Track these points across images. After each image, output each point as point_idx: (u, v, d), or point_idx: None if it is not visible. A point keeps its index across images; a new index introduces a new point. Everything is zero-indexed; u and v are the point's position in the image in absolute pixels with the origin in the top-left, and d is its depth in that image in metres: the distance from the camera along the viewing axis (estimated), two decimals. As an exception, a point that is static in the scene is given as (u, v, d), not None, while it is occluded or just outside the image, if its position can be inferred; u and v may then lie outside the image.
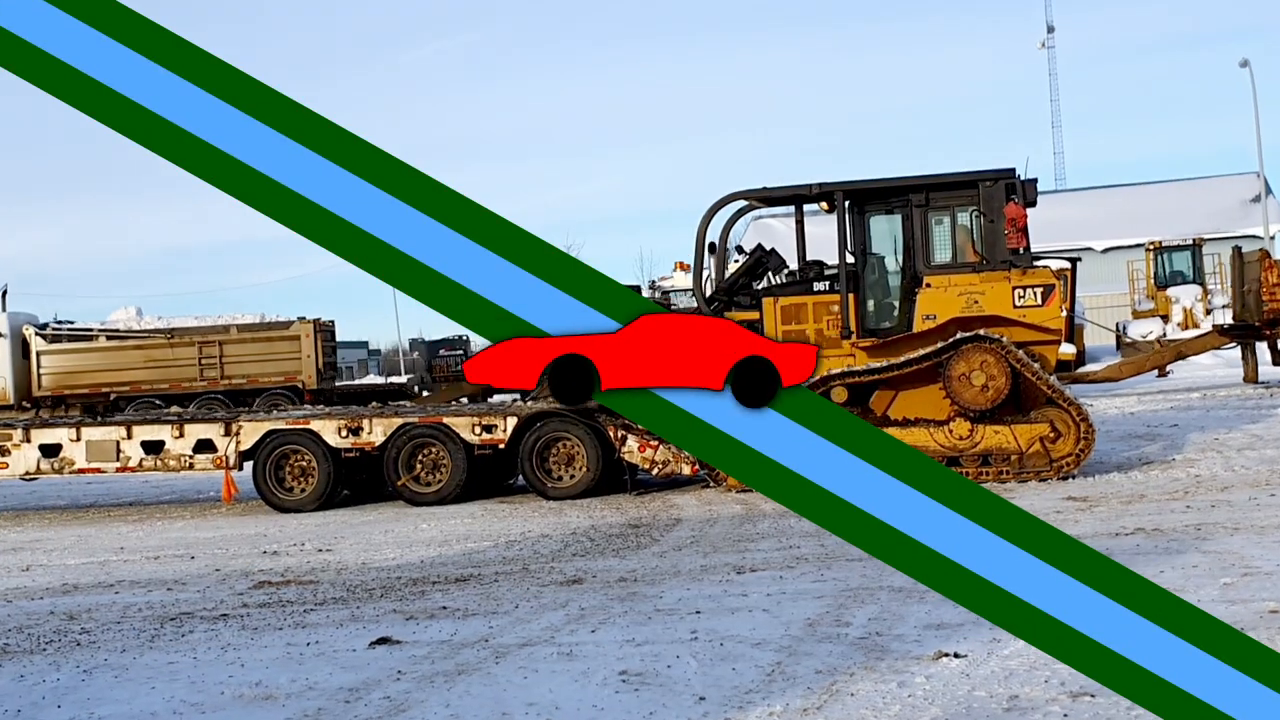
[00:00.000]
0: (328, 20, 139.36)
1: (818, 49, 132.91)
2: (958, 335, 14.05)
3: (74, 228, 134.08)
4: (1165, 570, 8.60)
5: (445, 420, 15.61)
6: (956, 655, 6.66)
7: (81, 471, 16.58)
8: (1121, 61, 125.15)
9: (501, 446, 15.40)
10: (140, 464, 16.28)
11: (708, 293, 15.75)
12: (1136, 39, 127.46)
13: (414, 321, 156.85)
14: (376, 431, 15.59)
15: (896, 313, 14.92)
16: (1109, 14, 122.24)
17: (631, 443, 15.00)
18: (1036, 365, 13.98)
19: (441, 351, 47.77)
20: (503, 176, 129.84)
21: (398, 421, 15.65)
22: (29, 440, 16.48)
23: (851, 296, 14.67)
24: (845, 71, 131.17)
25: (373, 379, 60.13)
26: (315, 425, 15.80)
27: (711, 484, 14.83)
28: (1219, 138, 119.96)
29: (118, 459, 16.27)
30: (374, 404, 20.12)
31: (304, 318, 32.29)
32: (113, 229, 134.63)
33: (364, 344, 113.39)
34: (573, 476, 15.27)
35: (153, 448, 16.21)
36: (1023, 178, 14.48)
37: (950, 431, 14.06)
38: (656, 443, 15.03)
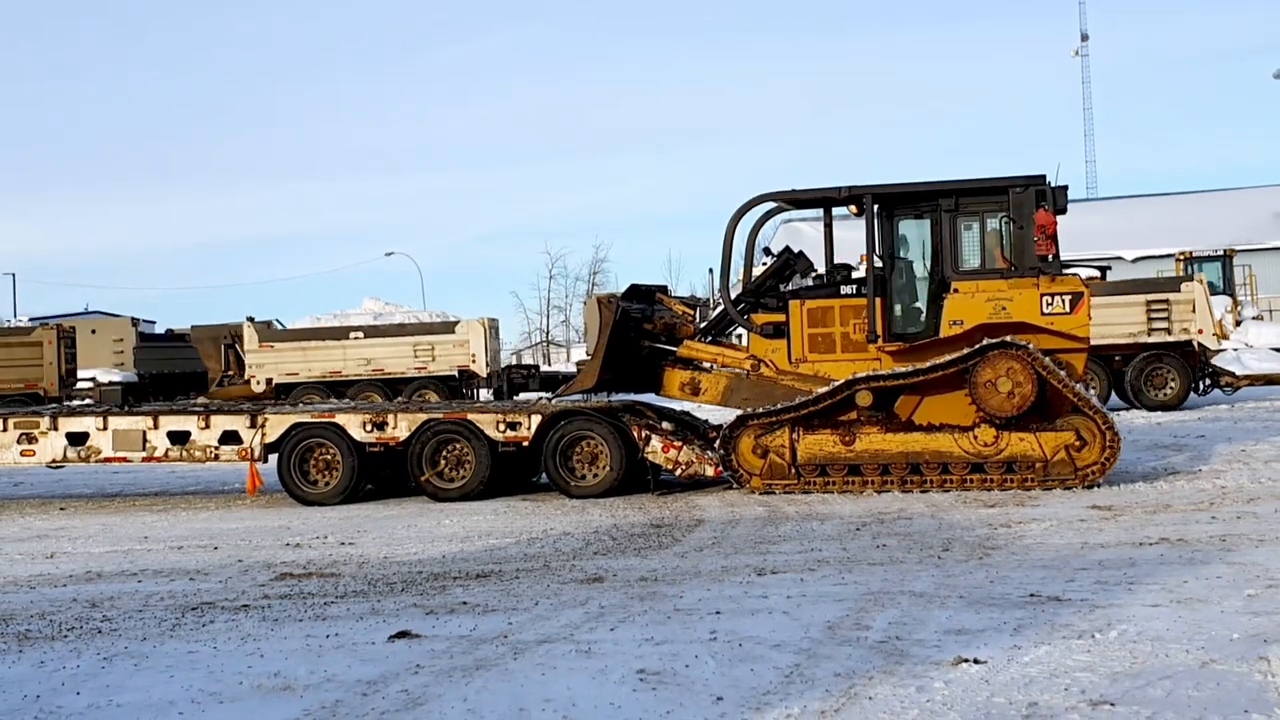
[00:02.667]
0: (351, 19, 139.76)
1: (849, 52, 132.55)
2: (984, 341, 14.00)
3: (104, 218, 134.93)
4: (1189, 581, 8.55)
5: (469, 416, 15.64)
6: (976, 661, 6.63)
7: (108, 460, 16.66)
8: (1155, 71, 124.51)
9: (525, 444, 15.42)
10: (166, 454, 16.37)
11: (734, 295, 15.75)
12: (1170, 49, 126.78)
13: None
14: (401, 426, 15.63)
15: (923, 317, 14.86)
16: (1143, 23, 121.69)
17: (655, 443, 15.01)
18: (1063, 372, 13.92)
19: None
20: (531, 177, 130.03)
21: (422, 417, 15.69)
22: (56, 428, 16.60)
23: (879, 300, 14.64)
24: (876, 76, 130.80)
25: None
26: (340, 419, 15.85)
27: (735, 485, 14.81)
28: (1251, 150, 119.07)
29: (144, 448, 16.37)
30: (399, 399, 20.16)
31: (45, 324, 32.71)
32: (145, 220, 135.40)
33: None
34: (596, 475, 15.28)
35: (179, 438, 16.30)
36: (1053, 185, 14.41)
37: (975, 438, 14.01)
38: (680, 443, 15.04)
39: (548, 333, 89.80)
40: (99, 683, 7.00)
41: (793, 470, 14.43)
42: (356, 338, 34.00)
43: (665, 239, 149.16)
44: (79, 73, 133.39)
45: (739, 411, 14.84)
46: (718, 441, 14.82)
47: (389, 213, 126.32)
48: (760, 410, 14.58)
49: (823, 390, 14.41)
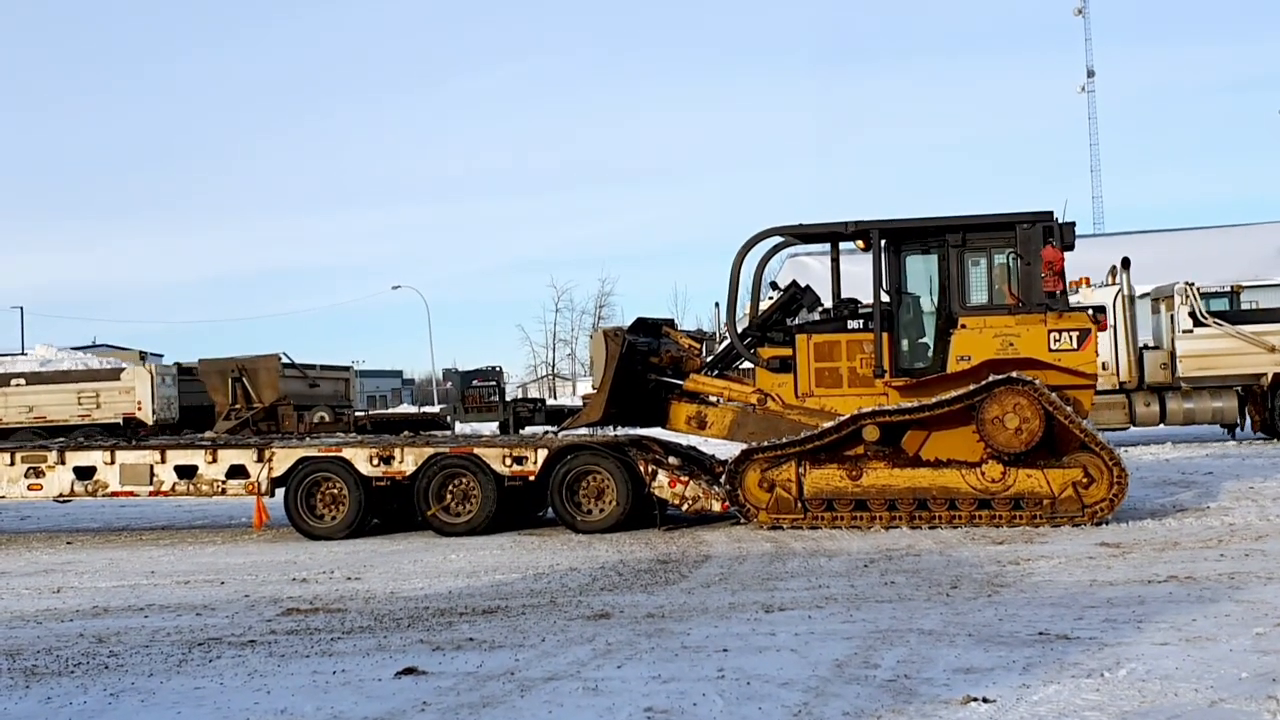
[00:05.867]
0: (374, 51, 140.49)
1: (853, 87, 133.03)
2: (992, 377, 13.98)
3: (106, 252, 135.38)
4: (1198, 619, 8.52)
5: (476, 451, 15.63)
6: (985, 700, 6.60)
7: (115, 494, 16.66)
8: (1161, 107, 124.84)
9: (532, 478, 15.40)
10: (173, 488, 16.36)
11: (740, 329, 15.75)
12: (1177, 85, 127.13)
13: (448, 351, 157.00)
14: (408, 461, 15.63)
15: (931, 353, 14.85)
16: (1149, 60, 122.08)
17: (662, 478, 14.98)
18: (1070, 409, 13.88)
19: (475, 382, 47.71)
20: (539, 209, 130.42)
21: (429, 451, 15.68)
22: (64, 462, 16.61)
23: (885, 335, 14.63)
24: (881, 110, 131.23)
25: (406, 408, 60.17)
26: (347, 453, 15.85)
27: (743, 520, 14.77)
28: (1258, 185, 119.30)
29: (151, 483, 16.37)
30: (406, 433, 20.15)
31: None
32: (153, 254, 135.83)
33: (398, 373, 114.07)
34: (602, 510, 15.24)
35: (186, 472, 16.29)
36: (1061, 220, 14.42)
37: (983, 474, 13.97)
38: (687, 478, 15.01)
39: (553, 366, 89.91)
40: (106, 719, 6.98)
41: (799, 505, 14.39)
42: (18, 384, 33.68)
43: (671, 272, 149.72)
44: (89, 106, 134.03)
45: (745, 445, 14.81)
46: (724, 475, 14.79)
47: (396, 246, 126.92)
48: (766, 444, 14.55)
49: (829, 424, 14.38)
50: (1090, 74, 78.82)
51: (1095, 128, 79.63)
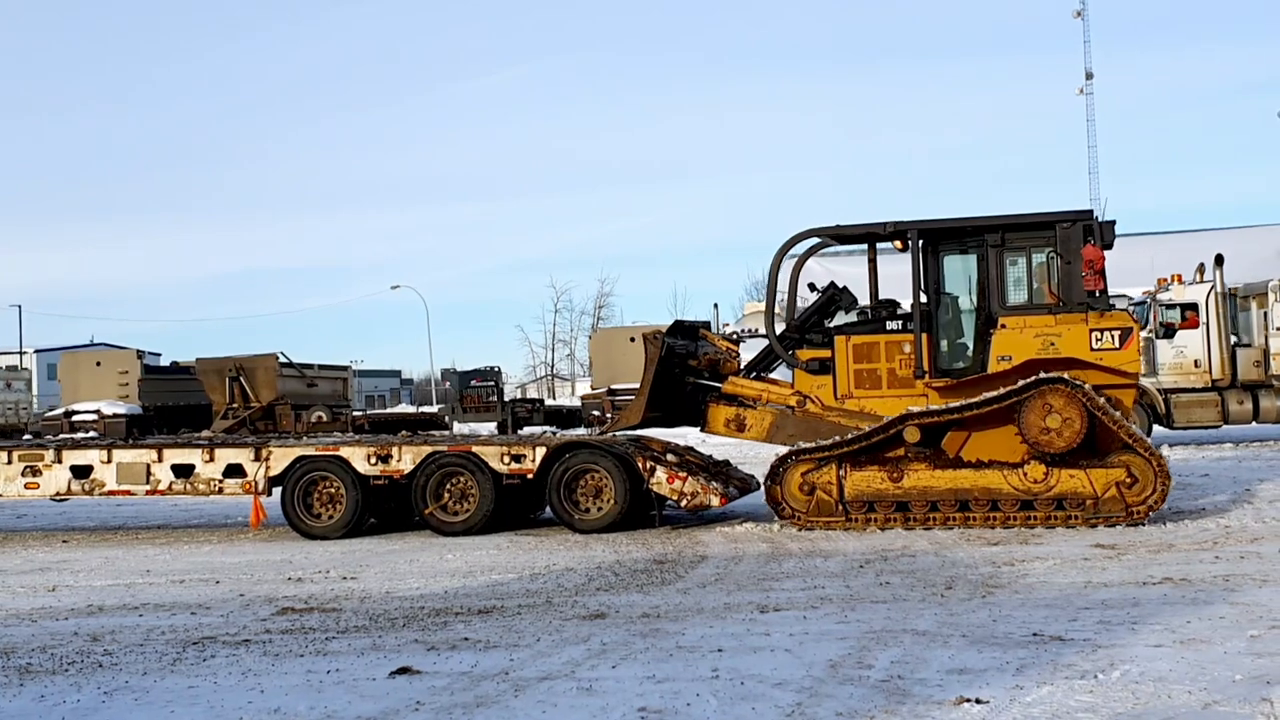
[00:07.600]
0: (379, 52, 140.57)
1: (852, 89, 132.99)
2: (1032, 378, 13.89)
3: (105, 251, 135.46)
4: (1192, 621, 8.52)
5: (474, 449, 15.63)
6: (978, 701, 6.60)
7: (111, 493, 16.67)
8: (1160, 109, 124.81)
9: (530, 477, 15.38)
10: (170, 487, 16.37)
11: (779, 329, 15.68)
12: (1175, 87, 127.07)
13: (447, 351, 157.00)
14: (405, 459, 15.62)
15: (971, 353, 14.76)
16: (1148, 63, 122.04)
17: (660, 474, 14.94)
18: (1109, 407, 13.78)
19: (473, 382, 47.68)
20: (538, 210, 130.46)
21: (427, 450, 15.67)
22: (60, 461, 16.61)
23: (925, 336, 14.56)
24: (880, 112, 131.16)
25: (404, 408, 60.12)
26: (345, 452, 15.85)
27: (795, 527, 14.44)
28: (1257, 187, 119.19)
29: (148, 482, 16.37)
30: (404, 432, 20.16)
31: None
32: (151, 253, 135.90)
33: (396, 373, 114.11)
34: (600, 509, 15.22)
35: (183, 471, 16.30)
36: (1100, 219, 14.35)
37: (1025, 475, 13.86)
38: (685, 474, 14.96)
39: (552, 366, 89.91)
40: (99, 717, 6.99)
41: (840, 507, 14.31)
42: None
43: (670, 273, 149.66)
44: (88, 106, 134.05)
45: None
46: (765, 478, 14.68)
47: (395, 246, 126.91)
48: (808, 446, 14.45)
49: (871, 427, 14.25)
50: (1089, 76, 78.70)
51: (1094, 130, 79.55)
